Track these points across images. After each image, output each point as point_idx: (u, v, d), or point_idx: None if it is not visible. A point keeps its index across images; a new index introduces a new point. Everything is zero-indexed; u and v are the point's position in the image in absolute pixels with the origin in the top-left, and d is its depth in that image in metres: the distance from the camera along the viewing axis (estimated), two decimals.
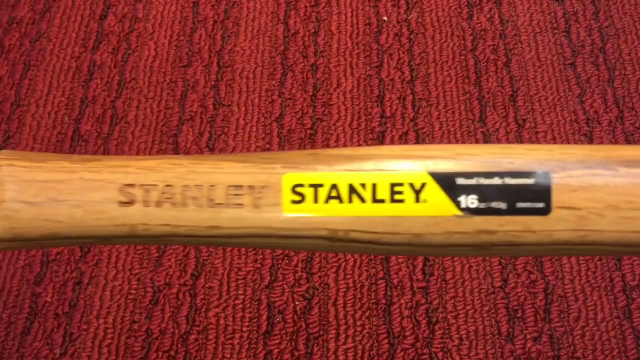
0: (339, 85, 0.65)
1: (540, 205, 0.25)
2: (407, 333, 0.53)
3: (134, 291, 0.54)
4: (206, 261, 0.55)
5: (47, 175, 0.27)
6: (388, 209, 0.25)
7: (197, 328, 0.53)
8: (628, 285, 0.55)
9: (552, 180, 0.25)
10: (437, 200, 0.25)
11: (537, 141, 0.62)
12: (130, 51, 0.67)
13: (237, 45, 0.67)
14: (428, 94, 0.65)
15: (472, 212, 0.25)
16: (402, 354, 0.52)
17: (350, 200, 0.26)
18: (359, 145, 0.61)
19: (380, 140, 0.62)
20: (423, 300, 0.54)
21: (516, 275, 0.55)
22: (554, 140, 0.62)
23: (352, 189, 0.26)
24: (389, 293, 0.54)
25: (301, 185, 0.26)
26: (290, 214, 0.26)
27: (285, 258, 0.56)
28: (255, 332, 0.53)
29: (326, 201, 0.26)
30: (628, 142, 0.62)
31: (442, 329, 0.53)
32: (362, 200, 0.26)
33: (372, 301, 0.54)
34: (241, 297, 0.54)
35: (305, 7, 0.70)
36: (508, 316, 0.53)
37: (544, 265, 0.56)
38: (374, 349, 0.52)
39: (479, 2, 0.70)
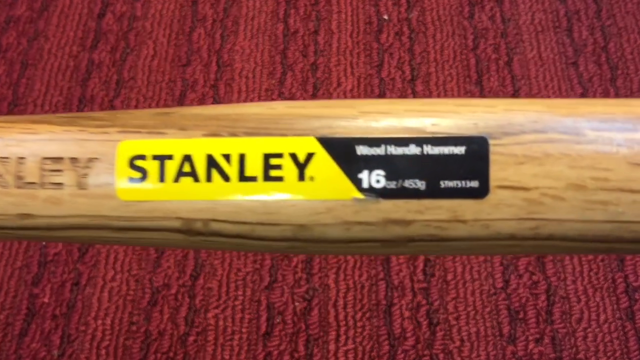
0: (339, 85, 0.65)
1: (474, 184, 0.18)
2: (408, 334, 0.52)
3: (132, 292, 0.54)
4: (205, 262, 0.55)
5: None
6: (261, 190, 0.19)
7: (196, 329, 0.52)
8: (631, 286, 0.54)
9: (491, 148, 0.18)
10: (329, 178, 0.19)
11: None
12: (128, 50, 0.67)
13: (236, 45, 0.67)
14: (429, 93, 0.64)
15: (379, 194, 0.18)
16: (402, 355, 0.51)
17: (209, 179, 0.19)
18: None
19: None
20: (424, 302, 0.54)
21: (518, 276, 0.55)
22: None
23: (211, 162, 0.19)
24: (389, 294, 0.54)
25: (142, 157, 0.19)
26: (127, 199, 0.19)
27: (285, 259, 0.55)
28: (254, 333, 0.52)
29: (176, 179, 0.19)
30: None
31: (443, 331, 0.53)
32: (226, 177, 0.19)
33: (373, 302, 0.53)
34: (240, 298, 0.54)
35: (305, 5, 0.69)
36: (510, 317, 0.53)
37: (546, 266, 0.55)
38: (375, 351, 0.52)
39: (480, 0, 0.70)
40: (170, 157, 0.19)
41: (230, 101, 0.64)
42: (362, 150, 0.19)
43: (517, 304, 0.54)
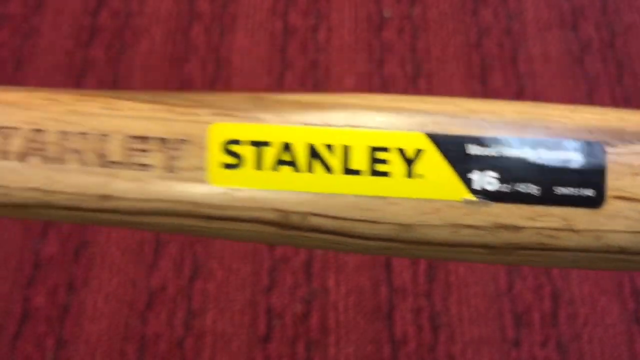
0: (339, 83, 0.64)
1: (589, 192, 0.17)
2: (410, 338, 0.52)
3: (128, 295, 0.53)
4: (203, 263, 0.55)
5: None
6: (367, 185, 0.18)
7: (193, 332, 0.52)
8: (637, 289, 0.54)
9: (607, 157, 0.18)
10: (438, 176, 0.18)
11: None
12: (124, 47, 0.66)
13: (234, 42, 0.66)
14: (431, 91, 0.64)
15: (490, 197, 0.18)
16: (404, 359, 0.51)
17: (310, 169, 0.18)
18: None
19: None
20: (426, 304, 0.53)
21: (522, 279, 0.54)
22: None
23: (313, 152, 0.18)
24: (391, 297, 0.53)
25: (237, 142, 0.18)
26: (220, 185, 0.18)
27: (284, 260, 0.55)
28: (253, 336, 0.52)
29: (274, 168, 0.18)
30: None
31: (446, 334, 0.52)
32: (328, 169, 0.18)
33: (374, 305, 0.53)
34: (239, 300, 0.53)
35: (305, 2, 0.69)
36: (514, 321, 0.53)
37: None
38: (376, 355, 0.51)
39: None
40: (267, 143, 0.18)
41: None
42: (473, 149, 0.18)
43: (522, 308, 0.53)
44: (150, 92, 0.20)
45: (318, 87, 0.64)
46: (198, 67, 0.65)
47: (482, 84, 0.64)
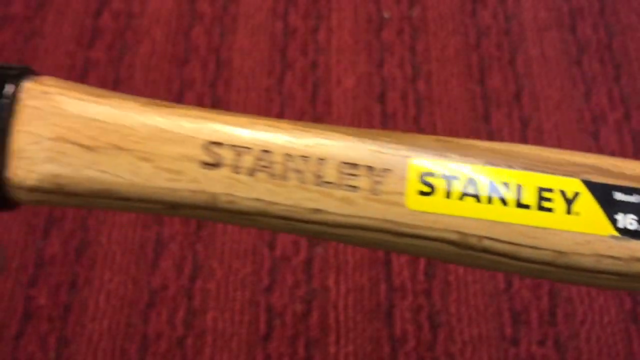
0: (339, 83, 0.64)
1: None
2: (409, 337, 0.52)
3: (129, 294, 0.53)
4: (204, 263, 0.55)
5: (110, 115, 0.22)
6: (534, 217, 0.22)
7: (194, 331, 0.52)
8: None
9: None
10: (591, 215, 0.22)
11: (542, 140, 0.61)
12: (125, 48, 0.66)
13: (235, 43, 0.66)
14: (430, 92, 0.64)
15: (631, 235, 0.22)
16: (403, 357, 0.51)
17: (489, 201, 0.22)
18: None
19: None
20: (425, 303, 0.53)
21: (521, 278, 0.54)
22: (559, 140, 0.61)
23: (493, 188, 0.22)
24: (390, 296, 0.54)
25: (432, 175, 0.22)
26: (415, 208, 0.22)
27: (285, 260, 0.55)
28: (253, 335, 0.52)
29: (460, 197, 0.22)
30: (634, 141, 0.61)
31: (445, 333, 0.52)
32: (504, 202, 0.22)
33: (373, 304, 0.53)
34: (239, 299, 0.53)
35: (305, 3, 0.69)
36: (512, 319, 0.53)
37: None
38: (375, 353, 0.51)
39: None
40: (456, 177, 0.22)
41: (228, 99, 0.63)
42: (619, 195, 0.22)
43: (520, 306, 0.53)
44: (353, 128, 0.23)
45: (318, 87, 0.64)
46: (199, 67, 0.65)
47: (480, 85, 0.64)
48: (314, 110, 0.62)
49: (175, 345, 0.52)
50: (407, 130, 0.62)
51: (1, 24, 0.68)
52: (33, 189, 0.22)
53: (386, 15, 0.68)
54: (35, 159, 0.22)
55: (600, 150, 0.61)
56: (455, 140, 0.23)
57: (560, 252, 0.22)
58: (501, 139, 0.61)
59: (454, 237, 0.22)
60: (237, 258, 0.55)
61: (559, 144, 0.61)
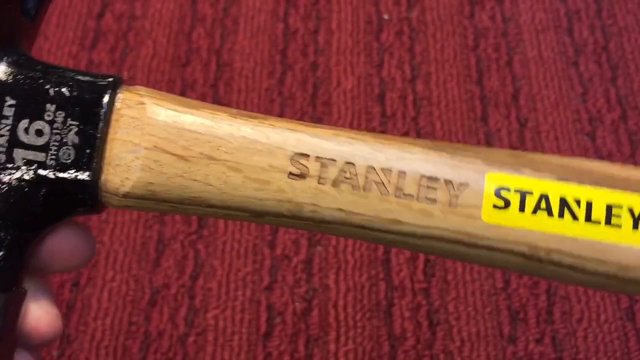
0: (339, 84, 0.64)
1: None
2: (408, 335, 0.52)
3: (132, 292, 0.54)
4: (205, 262, 0.55)
5: (203, 126, 0.23)
6: (602, 232, 0.22)
7: (195, 330, 0.52)
8: None
9: None
10: None
11: (539, 140, 0.61)
12: (128, 50, 0.66)
13: (236, 44, 0.67)
14: (429, 93, 0.64)
15: None
16: (403, 356, 0.51)
17: (561, 215, 0.22)
18: None
19: None
20: (424, 302, 0.53)
21: (518, 277, 0.55)
22: (556, 140, 0.61)
23: (564, 203, 0.22)
24: (389, 294, 0.54)
25: (507, 189, 0.23)
26: (490, 222, 0.22)
27: (285, 259, 0.55)
28: (254, 334, 0.52)
29: (534, 211, 0.22)
30: (631, 141, 0.62)
31: (444, 331, 0.52)
32: (574, 217, 0.22)
33: (373, 303, 0.53)
34: (240, 298, 0.53)
35: (305, 5, 0.69)
36: (510, 318, 0.53)
37: None
38: (375, 351, 0.52)
39: (480, 0, 0.70)
40: (530, 192, 0.23)
41: (229, 100, 0.64)
42: None
43: (518, 304, 0.54)
44: (431, 141, 0.24)
45: (318, 88, 0.64)
46: (200, 69, 0.65)
47: (479, 85, 0.65)
48: (314, 111, 0.63)
49: (176, 343, 0.52)
50: (407, 130, 0.62)
51: None
52: (126, 195, 0.23)
53: (385, 16, 0.69)
54: (130, 167, 0.23)
55: (596, 150, 0.61)
56: (529, 155, 0.24)
57: (624, 266, 0.22)
58: (499, 140, 0.62)
59: (524, 249, 0.22)
60: (238, 257, 0.55)
61: (556, 144, 0.61)
